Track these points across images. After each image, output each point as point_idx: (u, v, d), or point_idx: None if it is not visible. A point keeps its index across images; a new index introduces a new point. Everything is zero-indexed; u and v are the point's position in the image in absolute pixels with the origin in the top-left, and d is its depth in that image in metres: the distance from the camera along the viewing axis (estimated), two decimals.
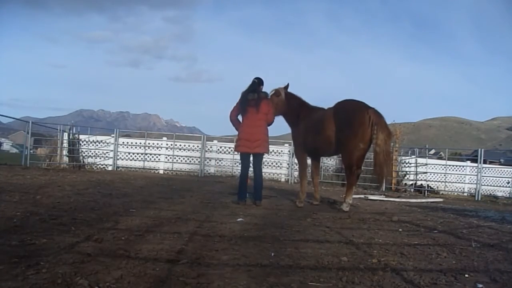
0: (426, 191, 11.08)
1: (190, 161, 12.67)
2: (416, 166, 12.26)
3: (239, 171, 5.35)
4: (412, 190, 11.13)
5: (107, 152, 12.12)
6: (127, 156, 12.41)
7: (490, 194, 11.97)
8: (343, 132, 4.73)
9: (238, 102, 5.02)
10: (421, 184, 11.66)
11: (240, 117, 5.07)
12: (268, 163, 12.44)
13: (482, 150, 11.60)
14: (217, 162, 12.75)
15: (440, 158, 17.45)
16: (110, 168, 11.89)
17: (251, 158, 5.10)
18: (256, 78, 5.11)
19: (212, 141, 12.96)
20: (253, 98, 4.94)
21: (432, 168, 12.57)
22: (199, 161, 12.40)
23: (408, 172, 12.37)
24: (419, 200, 7.71)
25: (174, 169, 12.48)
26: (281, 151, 12.70)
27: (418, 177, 12.10)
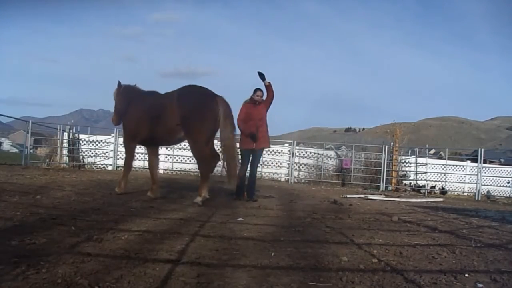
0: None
1: (190, 161, 12.63)
2: (416, 166, 12.26)
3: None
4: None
5: (107, 152, 12.11)
6: None
7: (487, 192, 11.94)
8: (190, 120, 4.31)
9: (243, 107, 5.36)
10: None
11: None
12: (268, 163, 12.43)
13: (482, 150, 11.60)
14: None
15: (440, 158, 17.45)
16: (110, 168, 11.89)
17: (251, 158, 5.40)
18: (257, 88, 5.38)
19: None
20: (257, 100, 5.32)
21: (432, 168, 12.56)
22: None
23: (408, 172, 12.38)
24: (419, 200, 7.71)
25: (174, 168, 12.47)
26: (281, 151, 12.69)
27: (418, 176, 12.11)
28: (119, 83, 5.05)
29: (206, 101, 4.40)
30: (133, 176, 9.10)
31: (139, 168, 12.21)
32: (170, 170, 12.39)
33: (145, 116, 4.63)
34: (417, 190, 11.32)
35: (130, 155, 5.05)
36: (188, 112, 4.32)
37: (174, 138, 4.72)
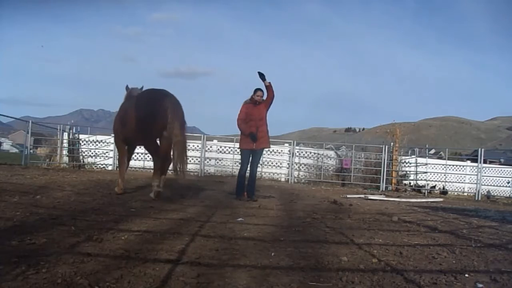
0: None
1: (190, 161, 12.61)
2: (416, 166, 12.26)
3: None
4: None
5: (107, 152, 12.12)
6: None
7: (487, 192, 11.93)
8: (142, 122, 4.61)
9: (243, 107, 5.36)
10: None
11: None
12: (268, 163, 12.43)
13: (482, 149, 11.59)
14: (217, 162, 12.74)
15: (440, 158, 17.44)
16: (110, 168, 11.88)
17: (251, 158, 5.40)
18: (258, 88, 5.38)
19: (212, 141, 12.94)
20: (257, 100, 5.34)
21: (432, 168, 12.56)
22: (199, 161, 12.38)
23: (408, 172, 12.37)
24: (419, 200, 7.71)
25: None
26: (281, 151, 12.69)
27: (418, 176, 12.11)
28: (127, 87, 5.37)
29: (155, 101, 4.66)
30: (133, 176, 9.10)
31: (139, 168, 12.22)
32: (170, 170, 12.37)
33: (119, 117, 5.09)
34: (417, 190, 11.32)
35: (121, 153, 5.37)
36: (141, 114, 4.61)
37: (140, 139, 5.01)
